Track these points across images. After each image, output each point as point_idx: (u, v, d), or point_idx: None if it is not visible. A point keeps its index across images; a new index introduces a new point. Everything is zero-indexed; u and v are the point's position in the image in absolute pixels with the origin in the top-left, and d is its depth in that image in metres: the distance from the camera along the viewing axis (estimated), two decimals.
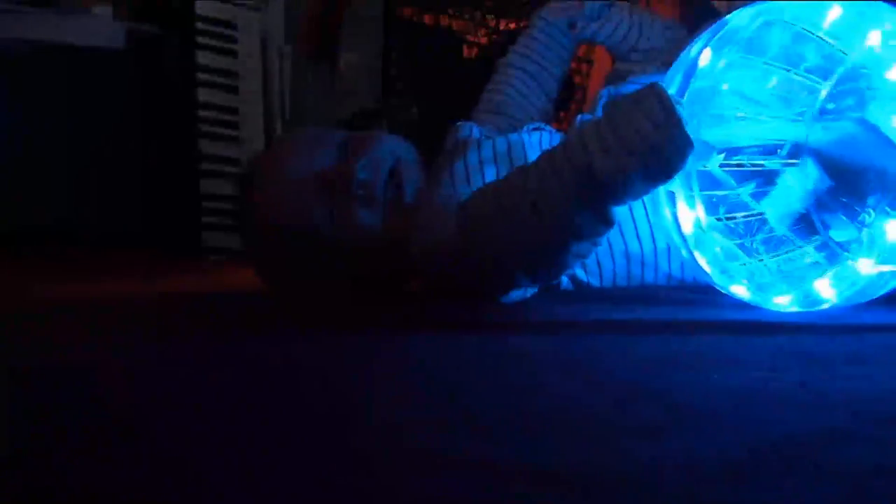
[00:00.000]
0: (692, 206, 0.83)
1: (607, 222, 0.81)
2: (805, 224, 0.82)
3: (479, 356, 0.71)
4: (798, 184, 0.80)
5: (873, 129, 0.80)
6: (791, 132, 0.80)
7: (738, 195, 0.81)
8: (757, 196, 0.81)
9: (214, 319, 0.98)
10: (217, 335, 0.85)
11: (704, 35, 0.85)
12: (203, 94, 1.81)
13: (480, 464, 0.39)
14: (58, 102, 1.80)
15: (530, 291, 0.97)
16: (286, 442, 0.44)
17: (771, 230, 0.82)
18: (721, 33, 0.84)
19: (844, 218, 0.81)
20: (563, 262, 0.87)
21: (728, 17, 0.85)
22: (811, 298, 0.84)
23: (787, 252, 0.82)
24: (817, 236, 0.81)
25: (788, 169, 0.80)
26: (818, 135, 0.79)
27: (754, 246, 0.83)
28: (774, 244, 0.83)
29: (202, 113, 1.81)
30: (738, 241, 0.83)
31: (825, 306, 0.85)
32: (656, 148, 0.75)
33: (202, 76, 1.81)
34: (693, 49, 0.85)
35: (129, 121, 1.83)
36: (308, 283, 1.06)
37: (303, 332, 0.85)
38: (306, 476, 0.38)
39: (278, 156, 1.08)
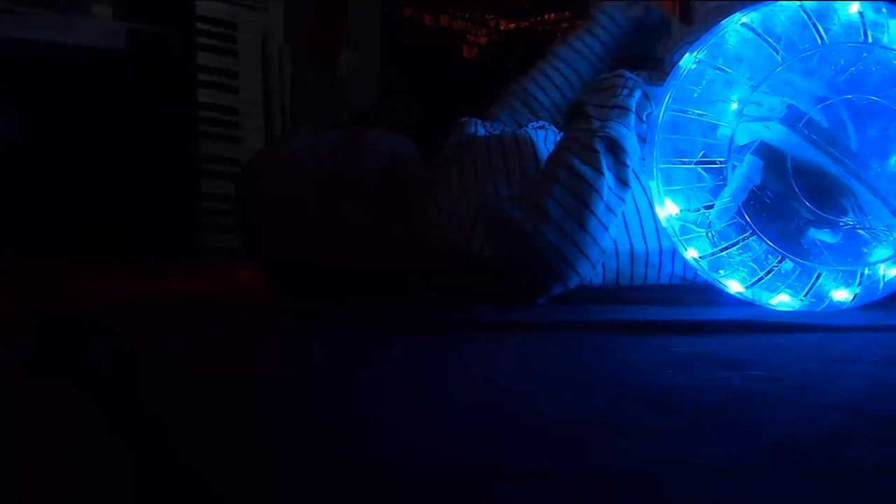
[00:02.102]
0: (676, 200, 0.87)
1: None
2: (787, 234, 0.83)
3: (480, 356, 0.71)
4: (737, 181, 0.82)
5: (798, 130, 0.81)
6: (742, 132, 0.84)
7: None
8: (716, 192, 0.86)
9: (214, 319, 0.98)
10: (216, 335, 0.85)
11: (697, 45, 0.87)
12: (203, 95, 1.81)
13: (480, 464, 0.39)
14: (57, 102, 1.80)
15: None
16: (285, 442, 0.44)
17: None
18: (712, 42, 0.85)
19: (814, 227, 0.82)
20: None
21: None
22: (821, 298, 0.84)
23: (728, 247, 0.85)
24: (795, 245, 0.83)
25: (735, 166, 0.82)
26: (764, 133, 0.81)
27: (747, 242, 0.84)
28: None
29: (202, 113, 1.82)
30: (737, 239, 0.84)
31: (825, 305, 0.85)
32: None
33: (202, 76, 1.82)
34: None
35: (129, 121, 1.83)
36: (308, 282, 1.06)
37: (301, 333, 0.85)
38: (306, 475, 0.38)
39: (277, 157, 1.08)
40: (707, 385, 0.55)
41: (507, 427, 0.46)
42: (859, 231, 0.83)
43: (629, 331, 0.80)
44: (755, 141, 0.82)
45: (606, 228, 0.94)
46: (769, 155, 0.82)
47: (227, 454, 0.42)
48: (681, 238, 0.88)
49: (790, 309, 0.86)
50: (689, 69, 0.86)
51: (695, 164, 0.85)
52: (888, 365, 0.63)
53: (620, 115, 0.95)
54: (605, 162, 0.94)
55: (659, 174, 0.88)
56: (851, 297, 0.84)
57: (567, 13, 1.84)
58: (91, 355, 0.72)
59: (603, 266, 1.03)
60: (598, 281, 1.04)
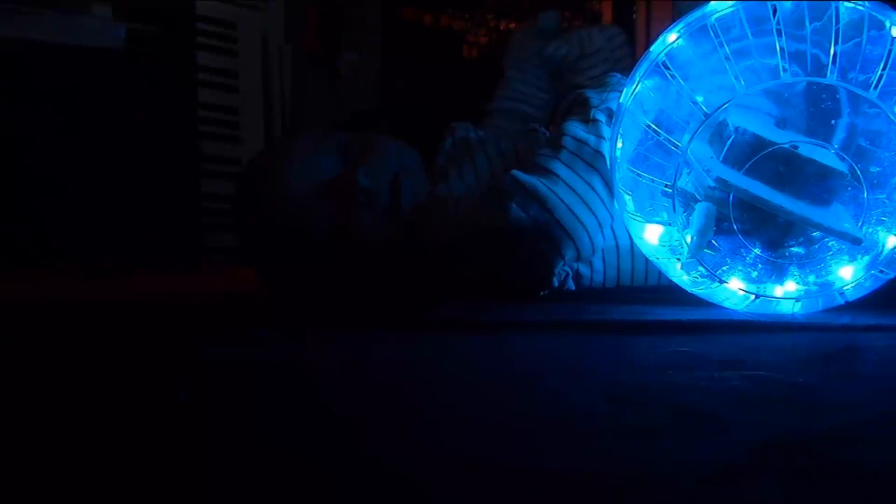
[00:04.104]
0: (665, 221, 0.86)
1: None
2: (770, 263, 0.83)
3: (479, 356, 0.71)
4: (700, 216, 0.82)
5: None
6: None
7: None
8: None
9: (215, 320, 0.98)
10: (217, 336, 0.85)
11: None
12: (203, 94, 1.81)
13: (480, 464, 0.39)
14: (57, 102, 1.80)
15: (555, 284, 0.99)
16: (285, 443, 0.44)
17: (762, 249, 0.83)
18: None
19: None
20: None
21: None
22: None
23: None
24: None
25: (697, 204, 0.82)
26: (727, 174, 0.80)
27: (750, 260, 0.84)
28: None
29: (202, 113, 1.81)
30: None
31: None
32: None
33: (202, 76, 1.81)
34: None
35: (129, 121, 1.83)
36: (308, 284, 1.06)
37: (301, 333, 0.85)
38: (306, 475, 0.38)
39: (280, 161, 1.07)
40: (707, 385, 0.55)
41: (507, 427, 0.46)
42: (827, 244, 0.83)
43: (629, 331, 0.80)
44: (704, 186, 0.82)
45: (612, 195, 0.95)
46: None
47: (224, 453, 0.42)
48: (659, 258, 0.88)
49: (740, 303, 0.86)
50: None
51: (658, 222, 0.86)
52: (888, 365, 0.63)
53: (617, 96, 0.97)
54: (605, 130, 0.96)
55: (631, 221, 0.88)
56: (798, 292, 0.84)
57: (567, 13, 1.84)
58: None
59: (604, 261, 1.03)
60: (599, 278, 1.04)
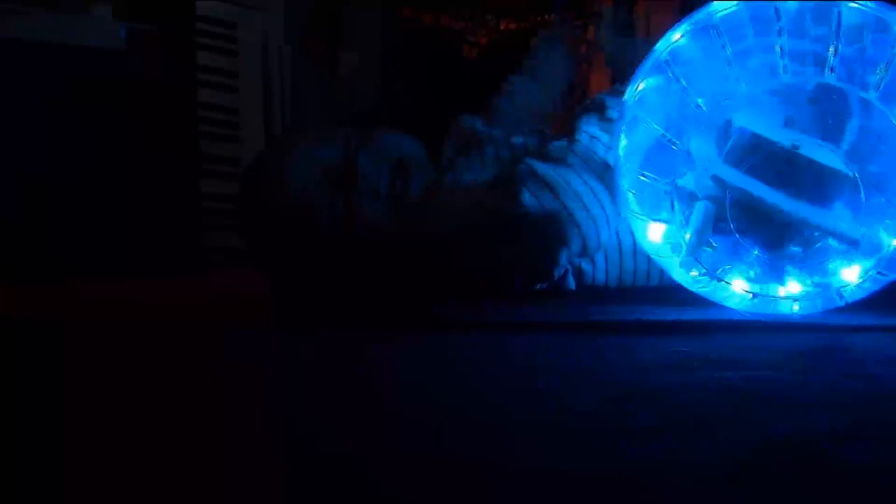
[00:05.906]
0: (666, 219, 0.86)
1: None
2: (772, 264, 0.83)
3: (480, 356, 0.71)
4: (698, 215, 0.82)
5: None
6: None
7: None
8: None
9: (216, 320, 0.98)
10: (218, 335, 0.85)
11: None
12: (203, 94, 1.81)
13: (480, 464, 0.39)
14: (57, 102, 1.80)
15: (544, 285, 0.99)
16: (285, 442, 0.44)
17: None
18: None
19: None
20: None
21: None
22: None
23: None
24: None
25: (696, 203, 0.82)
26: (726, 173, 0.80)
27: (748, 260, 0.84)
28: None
29: (202, 113, 1.81)
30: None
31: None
32: None
33: (202, 76, 1.81)
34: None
35: (129, 121, 1.83)
36: (312, 278, 1.06)
37: (302, 332, 0.85)
38: (305, 476, 0.38)
39: (284, 150, 1.07)
40: (707, 385, 0.55)
41: (507, 427, 0.46)
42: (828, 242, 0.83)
43: (629, 331, 0.80)
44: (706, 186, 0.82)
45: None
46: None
47: (224, 452, 0.42)
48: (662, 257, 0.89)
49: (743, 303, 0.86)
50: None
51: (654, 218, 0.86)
52: (888, 365, 0.63)
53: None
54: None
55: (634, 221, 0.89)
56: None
57: (569, 13, 1.84)
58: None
59: (607, 261, 1.03)
60: (600, 276, 1.04)
